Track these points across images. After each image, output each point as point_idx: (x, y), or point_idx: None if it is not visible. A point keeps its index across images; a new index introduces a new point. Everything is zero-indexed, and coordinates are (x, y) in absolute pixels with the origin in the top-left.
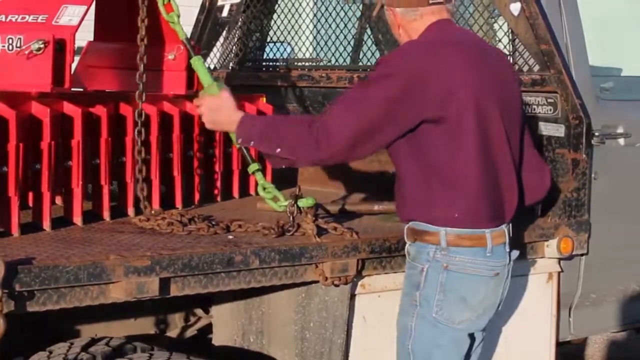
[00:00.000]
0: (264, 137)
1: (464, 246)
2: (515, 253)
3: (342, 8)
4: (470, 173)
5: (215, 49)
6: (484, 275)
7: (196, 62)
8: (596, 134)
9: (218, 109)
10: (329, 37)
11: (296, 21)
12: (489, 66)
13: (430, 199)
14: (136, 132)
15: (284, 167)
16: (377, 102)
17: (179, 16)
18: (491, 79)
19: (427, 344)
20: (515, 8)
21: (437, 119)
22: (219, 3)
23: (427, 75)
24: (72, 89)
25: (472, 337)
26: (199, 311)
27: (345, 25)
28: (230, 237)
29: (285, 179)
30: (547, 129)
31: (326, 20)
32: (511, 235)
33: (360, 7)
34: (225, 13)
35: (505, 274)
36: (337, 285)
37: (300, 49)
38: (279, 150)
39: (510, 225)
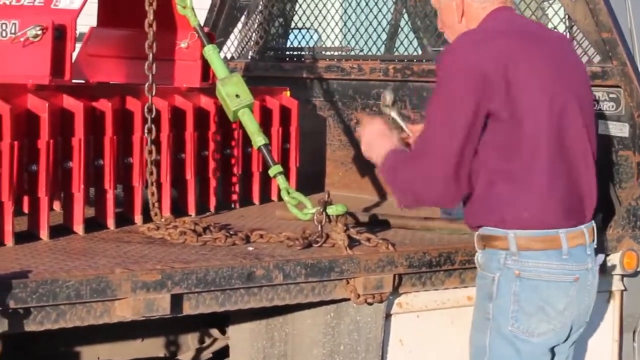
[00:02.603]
0: (390, 167)
1: (536, 249)
2: (601, 257)
3: None
4: (539, 168)
5: (232, 37)
6: (563, 281)
7: (210, 51)
8: None
9: (372, 141)
10: (361, 23)
11: (324, 5)
12: (555, 56)
13: (497, 199)
14: (146, 130)
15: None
16: (441, 109)
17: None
18: (559, 69)
19: None
20: None
21: (496, 112)
22: None
23: (479, 68)
24: (73, 81)
25: (552, 352)
26: (214, 332)
27: (380, 10)
28: (251, 248)
29: (310, 183)
30: (609, 128)
31: (358, 4)
32: (595, 236)
33: None
34: None
35: (588, 279)
36: (370, 304)
37: (328, 37)
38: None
39: (594, 225)
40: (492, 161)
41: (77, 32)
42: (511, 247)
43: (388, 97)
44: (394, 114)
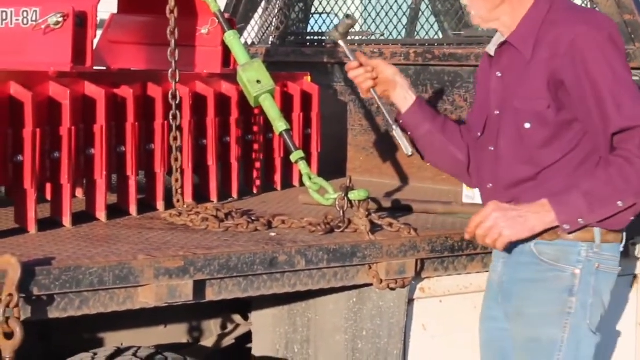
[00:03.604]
0: (593, 205)
1: (611, 242)
2: None
3: None
4: None
5: (253, 22)
6: (616, 274)
7: (231, 37)
8: None
9: (519, 215)
10: (382, 7)
11: None
12: None
13: None
14: (171, 116)
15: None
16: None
17: None
18: None
19: (581, 357)
20: None
21: None
22: None
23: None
24: (95, 68)
25: None
26: (237, 317)
27: None
28: (273, 234)
29: (332, 169)
30: None
31: None
32: None
33: None
34: None
35: None
36: (393, 289)
37: None
38: (620, 204)
39: None
40: (585, 143)
41: (98, 19)
42: (596, 240)
43: (342, 27)
44: (341, 42)
